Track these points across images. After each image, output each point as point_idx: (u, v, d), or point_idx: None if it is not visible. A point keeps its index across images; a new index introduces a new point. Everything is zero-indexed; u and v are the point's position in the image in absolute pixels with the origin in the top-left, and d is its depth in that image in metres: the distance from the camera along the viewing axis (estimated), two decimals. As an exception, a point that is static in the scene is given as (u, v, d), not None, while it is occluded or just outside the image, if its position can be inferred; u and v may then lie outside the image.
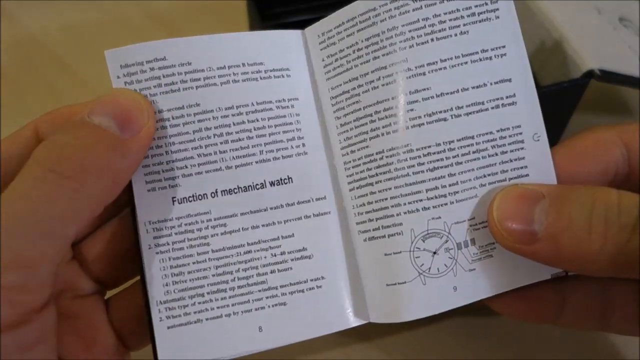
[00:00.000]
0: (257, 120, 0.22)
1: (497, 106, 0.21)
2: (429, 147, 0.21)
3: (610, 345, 0.30)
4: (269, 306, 0.22)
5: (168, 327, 0.21)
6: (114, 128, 0.19)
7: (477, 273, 0.21)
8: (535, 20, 0.35)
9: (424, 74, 0.21)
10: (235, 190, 0.22)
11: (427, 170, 0.21)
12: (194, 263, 0.21)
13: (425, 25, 0.21)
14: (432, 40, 0.21)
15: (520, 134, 0.21)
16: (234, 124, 0.22)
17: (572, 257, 0.18)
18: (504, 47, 0.21)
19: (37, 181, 0.18)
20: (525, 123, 0.21)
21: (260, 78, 0.22)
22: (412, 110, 0.21)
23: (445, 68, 0.21)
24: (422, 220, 0.21)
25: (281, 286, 0.22)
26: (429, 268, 0.21)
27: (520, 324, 0.30)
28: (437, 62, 0.21)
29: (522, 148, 0.21)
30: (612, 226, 0.18)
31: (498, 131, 0.21)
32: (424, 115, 0.21)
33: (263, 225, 0.22)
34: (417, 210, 0.21)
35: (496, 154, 0.21)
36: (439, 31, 0.21)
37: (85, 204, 0.18)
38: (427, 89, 0.21)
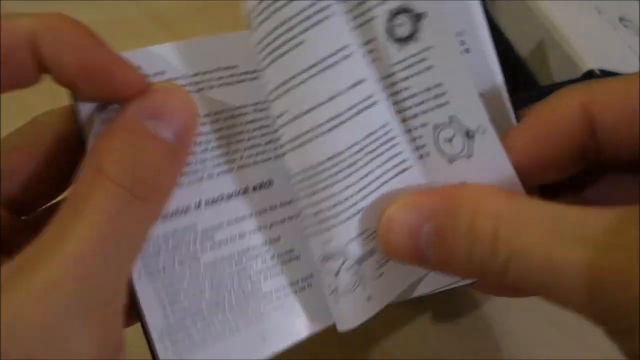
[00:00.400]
0: (235, 126, 0.21)
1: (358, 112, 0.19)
2: (305, 170, 0.20)
3: (610, 345, 0.30)
4: (267, 313, 0.21)
5: (174, 356, 0.20)
6: (170, 137, 0.17)
7: (386, 275, 0.21)
8: (535, 20, 0.35)
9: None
10: (219, 199, 0.21)
11: (306, 196, 0.20)
12: (187, 282, 0.20)
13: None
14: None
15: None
16: (212, 132, 0.21)
17: (458, 276, 0.19)
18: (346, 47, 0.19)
19: (117, 202, 0.16)
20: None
21: (236, 82, 0.21)
22: (280, 138, 0.20)
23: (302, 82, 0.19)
24: (317, 246, 0.20)
25: (276, 290, 0.22)
26: (336, 287, 0.20)
27: (520, 323, 0.30)
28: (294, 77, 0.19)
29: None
30: (488, 266, 0.16)
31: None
32: (291, 140, 0.20)
33: (250, 232, 0.22)
34: (309, 236, 0.21)
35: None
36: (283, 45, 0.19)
37: (148, 227, 0.17)
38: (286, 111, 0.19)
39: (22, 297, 0.14)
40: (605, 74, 0.31)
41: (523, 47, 0.36)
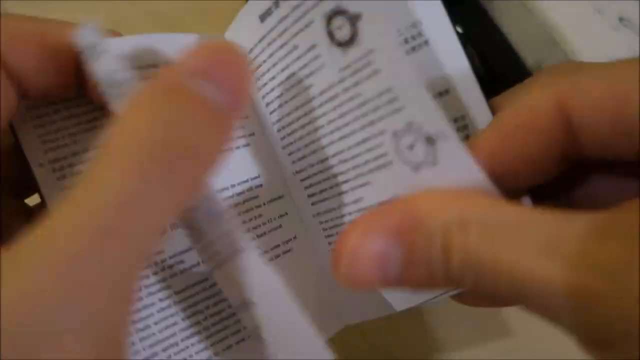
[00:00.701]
0: None
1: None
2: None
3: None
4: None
5: None
6: (220, 100, 0.14)
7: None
8: (535, 20, 0.35)
9: None
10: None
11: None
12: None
13: None
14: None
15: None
16: None
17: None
18: None
19: (145, 176, 0.13)
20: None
21: None
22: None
23: None
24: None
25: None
26: None
27: (521, 324, 0.30)
28: None
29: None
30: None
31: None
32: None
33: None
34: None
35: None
36: None
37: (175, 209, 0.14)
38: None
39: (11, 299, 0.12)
40: (605, 74, 0.31)
41: (523, 47, 0.36)
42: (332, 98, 0.19)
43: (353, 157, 0.19)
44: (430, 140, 0.17)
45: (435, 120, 0.17)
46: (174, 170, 0.13)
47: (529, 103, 0.17)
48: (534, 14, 0.35)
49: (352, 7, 0.17)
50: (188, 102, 0.13)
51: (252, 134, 0.21)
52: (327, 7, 0.17)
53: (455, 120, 0.18)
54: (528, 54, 0.36)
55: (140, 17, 0.45)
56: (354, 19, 0.17)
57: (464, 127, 0.18)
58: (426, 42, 0.18)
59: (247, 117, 0.21)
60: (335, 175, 0.20)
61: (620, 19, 0.35)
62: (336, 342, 0.31)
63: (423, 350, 0.30)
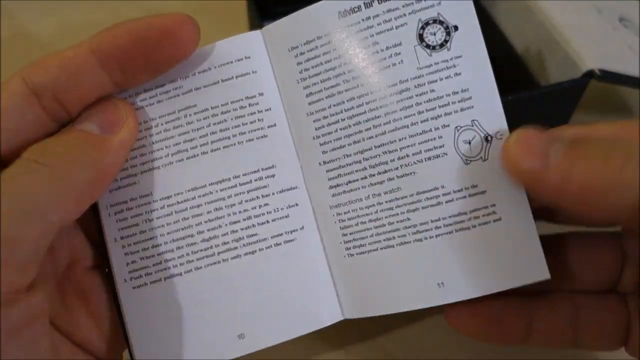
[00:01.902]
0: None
1: None
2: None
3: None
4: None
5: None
6: (95, 130, 0.20)
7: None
8: (535, 20, 0.35)
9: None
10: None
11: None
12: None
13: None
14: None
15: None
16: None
17: (580, 189, 0.18)
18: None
19: (21, 168, 0.19)
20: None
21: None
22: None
23: None
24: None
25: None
26: None
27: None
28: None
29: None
30: (633, 158, 0.17)
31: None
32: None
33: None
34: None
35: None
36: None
37: (69, 192, 0.19)
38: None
39: None
40: (605, 74, 0.31)
41: (523, 47, 0.36)
42: (399, 92, 0.21)
43: (402, 148, 0.21)
44: (488, 139, 0.20)
45: (498, 123, 0.20)
46: (49, 165, 0.19)
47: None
48: (534, 14, 0.35)
49: (451, 20, 0.21)
50: (66, 133, 0.20)
51: (274, 125, 0.22)
52: (427, 15, 0.21)
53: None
54: (528, 54, 0.36)
55: (140, 16, 0.45)
56: (450, 29, 0.21)
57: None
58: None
59: (270, 109, 0.22)
60: (374, 166, 0.22)
61: (620, 19, 0.35)
62: (336, 342, 0.31)
63: (423, 350, 0.30)
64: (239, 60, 0.22)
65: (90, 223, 0.22)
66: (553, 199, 0.19)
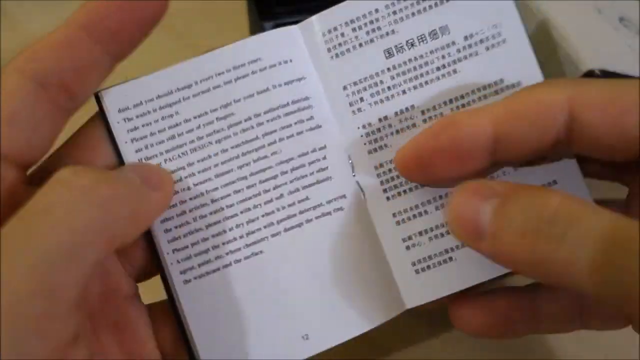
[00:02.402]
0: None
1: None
2: None
3: (609, 346, 0.30)
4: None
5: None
6: (137, 180, 0.20)
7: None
8: (535, 20, 0.35)
9: None
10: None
11: None
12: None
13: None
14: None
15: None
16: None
17: (509, 259, 0.18)
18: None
19: (68, 205, 0.17)
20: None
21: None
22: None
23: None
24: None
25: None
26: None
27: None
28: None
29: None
30: (541, 235, 0.17)
31: None
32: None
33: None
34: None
35: None
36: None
37: (106, 234, 0.18)
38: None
39: None
40: (605, 74, 0.31)
41: (523, 47, 0.36)
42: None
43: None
44: None
45: None
46: (94, 204, 0.17)
47: (545, 90, 0.20)
48: (534, 14, 0.35)
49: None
50: (110, 173, 0.20)
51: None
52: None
53: None
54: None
55: None
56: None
57: None
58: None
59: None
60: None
61: (621, 19, 0.35)
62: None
63: (423, 350, 0.30)
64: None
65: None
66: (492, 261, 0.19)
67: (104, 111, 0.22)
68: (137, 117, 0.22)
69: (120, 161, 0.22)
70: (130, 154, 0.22)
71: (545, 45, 0.34)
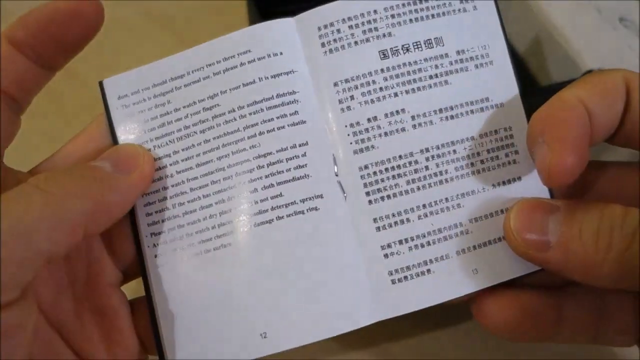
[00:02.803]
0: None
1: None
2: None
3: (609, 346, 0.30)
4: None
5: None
6: (108, 167, 0.21)
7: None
8: (535, 20, 0.35)
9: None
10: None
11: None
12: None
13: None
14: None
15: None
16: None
17: (579, 266, 0.19)
18: None
19: (21, 191, 0.18)
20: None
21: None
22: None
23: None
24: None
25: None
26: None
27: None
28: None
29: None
30: (616, 235, 0.19)
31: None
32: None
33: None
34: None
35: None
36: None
37: (61, 222, 0.18)
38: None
39: None
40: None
41: (523, 47, 0.36)
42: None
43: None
44: None
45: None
46: (49, 192, 0.19)
47: (609, 74, 0.21)
48: (534, 14, 0.35)
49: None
50: (78, 167, 0.21)
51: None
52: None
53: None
54: (528, 54, 0.36)
55: (140, 17, 0.45)
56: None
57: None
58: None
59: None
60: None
61: (621, 19, 0.35)
62: (336, 342, 0.31)
63: (423, 350, 0.30)
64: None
65: (115, 239, 0.23)
66: (554, 272, 0.20)
67: (106, 98, 0.23)
68: (133, 104, 0.23)
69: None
70: (124, 139, 0.23)
71: (545, 45, 0.34)
